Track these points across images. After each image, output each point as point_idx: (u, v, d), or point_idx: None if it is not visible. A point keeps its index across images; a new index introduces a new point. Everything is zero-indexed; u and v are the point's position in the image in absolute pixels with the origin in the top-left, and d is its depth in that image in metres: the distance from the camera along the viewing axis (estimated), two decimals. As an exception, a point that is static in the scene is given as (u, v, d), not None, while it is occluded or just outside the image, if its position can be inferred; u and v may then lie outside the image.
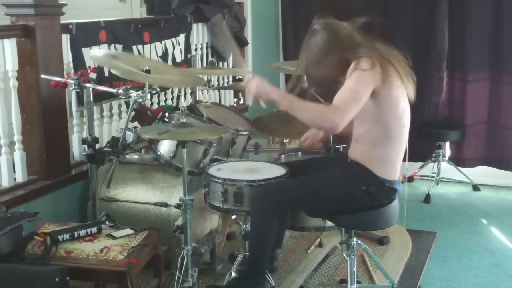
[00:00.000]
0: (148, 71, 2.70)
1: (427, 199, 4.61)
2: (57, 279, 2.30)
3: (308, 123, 2.49)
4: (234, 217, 3.48)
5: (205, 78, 3.81)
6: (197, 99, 3.79)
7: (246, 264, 2.82)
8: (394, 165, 2.62)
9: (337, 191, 2.61)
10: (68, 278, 2.35)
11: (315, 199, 2.65)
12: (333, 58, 2.55)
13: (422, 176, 5.06)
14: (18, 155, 3.20)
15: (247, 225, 2.91)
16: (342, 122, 2.33)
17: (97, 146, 2.88)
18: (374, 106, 2.49)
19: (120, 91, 2.73)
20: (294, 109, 2.44)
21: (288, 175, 2.80)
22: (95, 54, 2.88)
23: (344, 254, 3.19)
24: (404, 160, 2.69)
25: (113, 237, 2.67)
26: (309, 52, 2.61)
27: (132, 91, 2.71)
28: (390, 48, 2.60)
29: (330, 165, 2.83)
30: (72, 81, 2.81)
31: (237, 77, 4.00)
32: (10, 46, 3.10)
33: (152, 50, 4.09)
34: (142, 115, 3.35)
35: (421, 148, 4.91)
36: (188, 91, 4.43)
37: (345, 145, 2.81)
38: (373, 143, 2.57)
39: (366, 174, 2.58)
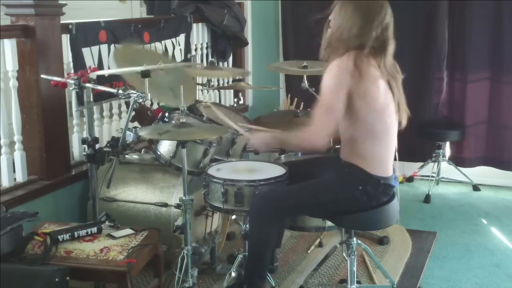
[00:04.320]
0: (147, 73, 2.68)
1: (427, 199, 4.61)
2: (57, 279, 2.30)
3: (300, 151, 2.82)
4: (234, 217, 3.48)
5: (205, 78, 3.81)
6: (197, 99, 3.79)
7: (245, 268, 2.82)
8: (385, 161, 2.62)
9: (335, 194, 2.61)
10: (68, 278, 2.36)
11: (314, 204, 2.66)
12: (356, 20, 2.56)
13: (422, 176, 5.06)
14: (18, 155, 3.20)
15: (247, 225, 2.90)
16: (322, 140, 2.52)
17: (97, 146, 2.88)
18: (348, 105, 2.51)
19: (120, 91, 2.73)
20: (284, 145, 2.85)
21: (288, 175, 2.81)
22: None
23: (344, 254, 3.19)
24: (395, 159, 2.70)
25: (113, 237, 2.67)
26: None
27: (132, 91, 2.71)
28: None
29: (326, 167, 2.82)
30: (72, 81, 2.81)
31: (237, 77, 4.00)
32: (10, 46, 3.10)
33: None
34: (142, 115, 3.35)
35: (421, 148, 4.92)
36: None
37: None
38: (358, 141, 2.57)
39: (360, 174, 2.58)
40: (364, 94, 2.49)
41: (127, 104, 3.65)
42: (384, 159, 2.61)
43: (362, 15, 2.56)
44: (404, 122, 2.64)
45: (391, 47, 2.63)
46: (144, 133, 2.80)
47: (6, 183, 3.15)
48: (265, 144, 2.75)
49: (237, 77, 4.00)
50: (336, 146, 3.40)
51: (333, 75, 2.49)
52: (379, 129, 2.56)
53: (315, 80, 3.69)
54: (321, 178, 2.71)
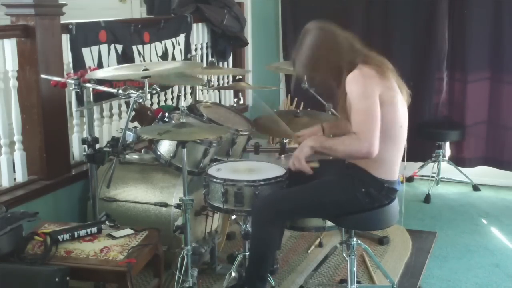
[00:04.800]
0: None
1: (427, 199, 4.61)
2: (57, 279, 2.30)
3: (346, 159, 2.60)
4: (234, 217, 3.48)
5: (205, 78, 3.81)
6: (197, 99, 3.79)
7: (247, 270, 2.82)
8: (392, 165, 2.61)
9: (337, 196, 2.60)
10: (68, 278, 2.36)
11: (316, 206, 2.65)
12: (325, 61, 2.56)
13: (422, 176, 5.06)
14: (18, 155, 3.20)
15: (247, 225, 2.91)
16: (372, 147, 2.41)
17: (97, 146, 2.88)
18: None
19: (120, 91, 2.73)
20: (327, 150, 2.57)
21: (287, 176, 2.80)
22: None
23: (344, 254, 3.19)
24: (402, 160, 2.69)
25: (113, 237, 2.67)
26: (301, 52, 2.61)
27: (132, 91, 2.71)
28: (383, 59, 2.62)
29: (327, 168, 2.82)
30: (72, 81, 2.82)
31: (237, 77, 4.01)
32: (10, 46, 3.09)
33: (152, 50, 4.09)
34: (142, 115, 3.35)
35: (421, 148, 4.91)
36: (188, 91, 4.43)
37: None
38: None
39: (364, 176, 2.57)
40: (389, 99, 2.49)
41: (127, 104, 3.65)
42: (392, 163, 2.60)
43: (326, 45, 2.57)
44: (408, 101, 2.63)
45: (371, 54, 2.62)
46: (144, 133, 2.80)
47: (6, 183, 3.15)
48: (308, 147, 2.59)
49: (237, 77, 4.00)
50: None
51: (361, 82, 2.46)
52: (393, 133, 2.55)
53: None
54: (322, 180, 2.70)
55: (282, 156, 3.40)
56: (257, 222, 2.65)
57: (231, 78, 5.11)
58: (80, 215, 3.45)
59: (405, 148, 2.69)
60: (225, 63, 5.10)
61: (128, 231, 2.73)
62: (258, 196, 2.71)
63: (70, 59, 3.44)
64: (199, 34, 4.77)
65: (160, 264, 2.80)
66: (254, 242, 2.71)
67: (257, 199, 2.71)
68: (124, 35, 3.81)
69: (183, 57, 4.44)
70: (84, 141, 2.88)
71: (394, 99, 2.52)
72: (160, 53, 4.18)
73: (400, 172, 2.69)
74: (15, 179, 3.20)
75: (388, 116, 2.50)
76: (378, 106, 2.44)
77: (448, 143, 4.99)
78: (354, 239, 2.84)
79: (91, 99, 2.91)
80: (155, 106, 4.07)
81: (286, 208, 2.65)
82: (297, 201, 2.66)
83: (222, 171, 2.89)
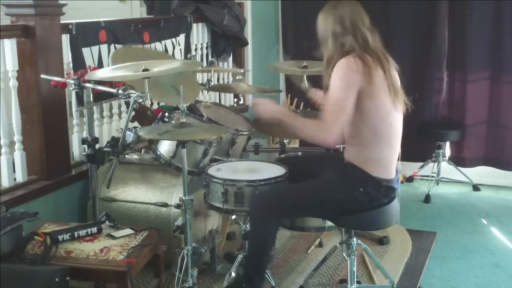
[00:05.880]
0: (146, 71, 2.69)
1: (427, 199, 4.61)
2: (57, 279, 2.30)
3: (306, 139, 2.66)
4: (234, 217, 3.48)
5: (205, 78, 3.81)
6: (197, 99, 3.79)
7: (245, 268, 2.82)
8: (388, 164, 2.61)
9: (336, 195, 2.61)
10: (68, 278, 2.36)
11: (315, 204, 2.65)
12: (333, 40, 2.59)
13: (422, 176, 5.06)
14: (18, 155, 3.20)
15: (247, 225, 2.91)
16: (333, 137, 2.50)
17: (97, 146, 2.89)
18: (355, 105, 2.51)
19: (120, 91, 2.73)
20: (293, 128, 2.67)
21: (288, 175, 2.80)
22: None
23: (344, 254, 3.19)
24: (398, 159, 2.69)
25: (113, 237, 2.67)
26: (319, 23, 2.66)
27: (132, 91, 2.71)
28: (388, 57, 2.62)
29: (327, 166, 2.82)
30: (72, 81, 2.82)
31: (237, 77, 4.01)
32: (10, 46, 3.10)
33: (152, 50, 4.09)
34: (142, 115, 3.35)
35: (421, 148, 4.92)
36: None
37: (344, 145, 2.82)
38: (363, 143, 2.58)
39: (362, 176, 2.58)
40: (374, 95, 2.49)
41: (127, 104, 3.65)
42: (388, 161, 2.61)
43: (339, 21, 2.60)
44: (401, 108, 2.61)
45: (373, 39, 2.62)
46: (144, 133, 2.80)
47: (6, 183, 3.15)
48: (271, 113, 2.70)
49: (237, 77, 4.01)
50: (336, 146, 3.40)
51: (343, 73, 2.49)
52: (384, 131, 2.56)
53: (315, 80, 3.71)
54: (322, 178, 2.71)
55: (283, 156, 3.40)
56: (255, 218, 2.66)
57: (231, 78, 5.11)
58: (80, 215, 3.45)
59: (400, 148, 2.69)
60: (225, 63, 5.10)
61: (128, 231, 2.73)
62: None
63: (70, 59, 3.44)
64: (199, 34, 4.77)
65: (160, 264, 2.80)
66: (252, 238, 2.71)
67: (256, 196, 2.71)
68: (124, 35, 3.81)
69: (183, 57, 4.44)
70: (84, 141, 2.88)
71: (383, 96, 2.51)
72: (160, 53, 4.18)
73: (400, 172, 2.69)
74: (15, 179, 3.20)
75: (375, 113, 2.51)
76: (351, 101, 2.47)
77: (448, 143, 4.99)
78: (354, 239, 2.84)
79: (91, 99, 2.91)
80: (155, 106, 4.06)
81: (285, 205, 2.65)
82: (296, 198, 2.66)
83: (222, 171, 2.89)
